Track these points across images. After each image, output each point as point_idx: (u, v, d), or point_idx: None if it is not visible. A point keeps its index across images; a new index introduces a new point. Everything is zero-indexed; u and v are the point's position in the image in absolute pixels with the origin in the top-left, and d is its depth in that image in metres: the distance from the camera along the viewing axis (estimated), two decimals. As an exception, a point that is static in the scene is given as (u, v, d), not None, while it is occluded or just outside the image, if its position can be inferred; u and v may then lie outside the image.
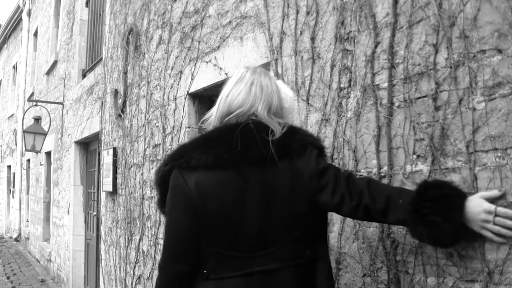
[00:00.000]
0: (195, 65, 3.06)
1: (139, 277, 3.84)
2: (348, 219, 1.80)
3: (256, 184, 1.37)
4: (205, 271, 1.39)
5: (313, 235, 1.43)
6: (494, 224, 1.27)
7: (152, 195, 3.61)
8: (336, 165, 1.79)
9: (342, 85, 1.87)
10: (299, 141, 1.42)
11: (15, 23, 13.25)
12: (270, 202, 1.37)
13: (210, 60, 2.87)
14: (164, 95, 3.48)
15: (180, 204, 1.40)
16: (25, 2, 11.49)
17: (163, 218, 3.08)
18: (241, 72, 1.51)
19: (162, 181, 1.46)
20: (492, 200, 1.30)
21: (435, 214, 1.28)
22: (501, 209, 1.27)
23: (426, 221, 1.29)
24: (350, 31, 1.84)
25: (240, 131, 1.39)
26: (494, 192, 1.31)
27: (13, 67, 13.56)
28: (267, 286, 1.37)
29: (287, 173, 1.38)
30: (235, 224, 1.37)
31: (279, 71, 2.24)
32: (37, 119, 7.49)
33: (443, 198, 1.30)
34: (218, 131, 1.45)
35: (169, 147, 3.36)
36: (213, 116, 1.50)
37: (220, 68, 2.75)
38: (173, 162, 1.44)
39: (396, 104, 1.64)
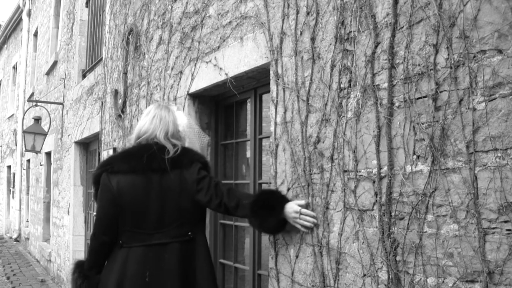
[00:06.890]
0: (195, 65, 3.06)
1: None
2: (348, 220, 1.82)
3: (157, 186, 2.04)
4: (120, 242, 2.06)
5: (193, 221, 2.12)
6: (300, 219, 1.97)
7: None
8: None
9: (342, 85, 1.88)
10: (188, 158, 2.09)
11: (15, 23, 13.25)
12: (165, 198, 2.04)
13: (210, 61, 2.87)
14: (164, 95, 3.48)
15: (106, 197, 2.06)
16: (25, 2, 11.49)
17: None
18: (150, 107, 2.21)
19: (96, 181, 2.11)
20: (303, 206, 1.99)
21: (263, 210, 2.00)
22: (303, 210, 1.98)
23: (257, 214, 2.02)
24: (350, 31, 1.84)
25: (147, 150, 2.06)
26: (302, 201, 2.01)
27: (13, 67, 13.56)
28: (160, 253, 2.04)
29: (178, 180, 2.05)
30: (141, 211, 2.04)
31: (279, 71, 2.24)
32: (37, 119, 7.48)
33: (269, 200, 2.03)
34: (133, 149, 2.14)
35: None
36: (132, 137, 2.17)
37: (220, 69, 2.75)
38: (103, 168, 2.10)
39: (396, 104, 1.64)
